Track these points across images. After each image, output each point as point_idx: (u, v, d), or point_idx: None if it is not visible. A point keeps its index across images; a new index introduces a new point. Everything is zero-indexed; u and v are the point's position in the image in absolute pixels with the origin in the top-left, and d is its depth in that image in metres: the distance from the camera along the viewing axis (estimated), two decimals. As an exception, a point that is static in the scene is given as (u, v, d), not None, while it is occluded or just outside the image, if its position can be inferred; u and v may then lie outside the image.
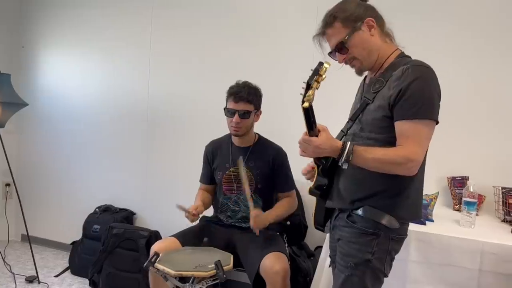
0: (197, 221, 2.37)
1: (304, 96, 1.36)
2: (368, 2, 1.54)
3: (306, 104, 1.36)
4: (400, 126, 1.38)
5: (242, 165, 2.15)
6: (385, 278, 1.52)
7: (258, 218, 2.08)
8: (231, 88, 2.24)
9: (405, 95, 1.35)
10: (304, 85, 1.37)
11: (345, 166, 1.42)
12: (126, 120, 3.37)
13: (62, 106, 3.60)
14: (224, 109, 2.24)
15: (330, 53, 1.55)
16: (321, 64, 1.35)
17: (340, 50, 1.50)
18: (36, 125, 3.72)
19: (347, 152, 1.38)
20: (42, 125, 3.70)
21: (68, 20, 3.54)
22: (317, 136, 1.44)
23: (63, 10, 3.55)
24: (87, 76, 3.50)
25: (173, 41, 3.18)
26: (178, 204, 2.09)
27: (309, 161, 1.62)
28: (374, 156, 1.39)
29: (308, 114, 1.40)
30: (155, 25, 3.23)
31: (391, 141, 1.41)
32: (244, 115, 2.20)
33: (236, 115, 2.19)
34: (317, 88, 1.37)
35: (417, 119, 1.36)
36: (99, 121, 3.47)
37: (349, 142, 1.40)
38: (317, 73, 1.35)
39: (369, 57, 1.50)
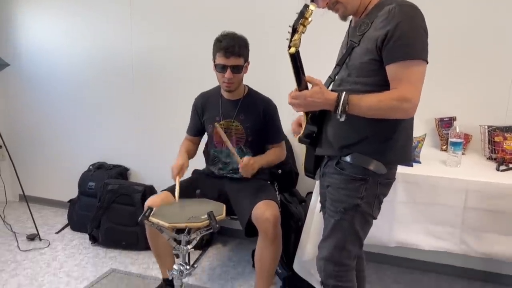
0: (190, 175, 2.43)
1: (290, 41, 1.33)
2: None
3: (292, 50, 1.33)
4: (392, 70, 1.37)
5: (221, 129, 2.15)
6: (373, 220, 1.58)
7: (246, 167, 2.09)
8: (218, 41, 2.14)
9: (393, 36, 1.33)
10: (290, 29, 1.33)
11: (342, 119, 1.40)
12: (112, 75, 3.31)
13: (46, 64, 3.51)
14: (215, 64, 2.17)
15: (312, 0, 1.50)
16: (306, 6, 1.31)
17: None
18: (21, 85, 3.65)
19: (342, 103, 1.37)
20: (27, 84, 3.63)
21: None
22: (306, 87, 1.43)
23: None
24: (69, 31, 3.38)
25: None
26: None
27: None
28: (370, 103, 1.38)
29: (295, 60, 1.37)
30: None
31: (379, 84, 1.40)
32: (236, 69, 2.15)
33: (228, 71, 2.13)
34: (303, 32, 1.33)
35: (408, 60, 1.34)
36: (85, 77, 3.40)
37: (344, 93, 1.38)
38: (302, 16, 1.31)
39: None
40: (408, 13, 1.35)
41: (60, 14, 3.39)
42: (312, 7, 1.31)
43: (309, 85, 1.45)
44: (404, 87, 1.35)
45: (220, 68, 2.15)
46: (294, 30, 1.33)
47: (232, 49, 2.10)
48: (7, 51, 3.51)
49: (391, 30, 1.33)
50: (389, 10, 1.35)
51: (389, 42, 1.34)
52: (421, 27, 1.36)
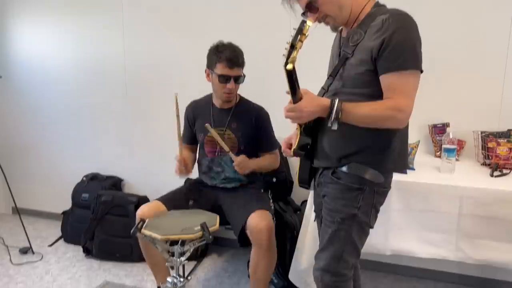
0: (183, 181, 2.41)
1: (288, 57, 1.31)
2: None
3: (290, 66, 1.32)
4: (386, 80, 1.36)
5: (211, 129, 2.17)
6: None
7: (241, 164, 2.13)
8: (219, 52, 2.13)
9: (388, 46, 1.33)
10: (287, 46, 1.31)
11: (334, 127, 1.39)
12: (105, 85, 3.29)
13: (38, 75, 3.50)
14: (217, 75, 2.14)
15: (302, 14, 1.49)
16: (303, 22, 1.31)
17: (310, 9, 1.45)
18: (12, 97, 3.63)
19: (336, 110, 1.36)
20: (19, 96, 3.60)
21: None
22: (300, 100, 1.41)
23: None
24: (60, 42, 3.37)
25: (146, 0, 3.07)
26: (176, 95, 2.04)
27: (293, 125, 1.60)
28: (363, 111, 1.38)
29: (291, 76, 1.36)
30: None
31: (374, 95, 1.39)
32: (239, 80, 2.17)
33: (232, 81, 2.14)
34: (300, 48, 1.33)
35: (402, 71, 1.34)
36: (78, 88, 3.39)
37: (337, 99, 1.37)
38: (300, 32, 1.30)
39: (341, 12, 1.45)
40: (403, 22, 1.34)
41: (51, 24, 3.38)
42: (309, 22, 1.31)
43: None
44: (399, 99, 1.35)
45: (223, 79, 2.14)
46: (292, 47, 1.31)
47: (236, 59, 2.12)
48: (-1, 63, 3.50)
49: (386, 39, 1.32)
50: (383, 20, 1.34)
51: (384, 52, 1.34)
52: (415, 36, 1.36)
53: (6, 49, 3.56)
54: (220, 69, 2.12)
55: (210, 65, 2.18)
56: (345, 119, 1.38)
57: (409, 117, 1.39)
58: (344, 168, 1.48)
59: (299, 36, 1.30)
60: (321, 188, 1.60)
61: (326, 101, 1.39)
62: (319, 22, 1.50)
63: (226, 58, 2.10)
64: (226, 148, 2.16)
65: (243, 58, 2.18)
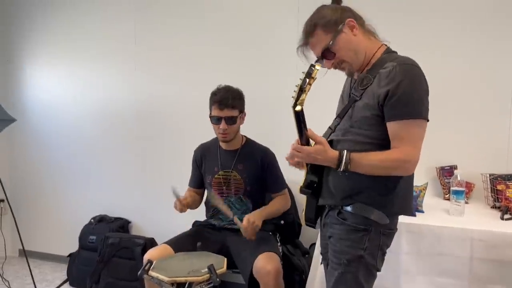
0: (191, 224, 2.40)
1: (297, 99, 1.36)
2: (343, 4, 1.54)
3: (299, 108, 1.36)
4: (393, 127, 1.39)
5: (214, 195, 2.23)
6: (378, 272, 1.54)
7: (248, 230, 2.08)
8: (213, 95, 2.24)
9: (395, 95, 1.35)
10: (296, 88, 1.36)
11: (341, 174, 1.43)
12: (116, 129, 3.38)
13: (51, 119, 3.60)
14: (210, 116, 2.24)
15: (316, 61, 1.52)
16: (312, 66, 1.36)
17: (326, 56, 1.49)
18: (26, 140, 3.71)
19: (345, 162, 1.39)
20: (32, 139, 3.69)
21: (51, 32, 3.53)
22: (307, 141, 1.44)
23: (46, 25, 3.54)
24: (74, 87, 3.49)
25: (157, 46, 3.19)
26: (174, 189, 2.12)
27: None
28: (371, 162, 1.40)
29: (299, 117, 1.40)
30: (138, 31, 3.24)
31: (381, 138, 1.42)
32: (230, 121, 2.22)
33: (223, 122, 2.20)
34: (309, 91, 1.37)
35: (409, 120, 1.37)
36: (89, 131, 3.47)
37: (345, 151, 1.40)
38: (309, 76, 1.35)
39: (357, 57, 1.49)
40: (410, 72, 1.38)
41: (64, 69, 3.52)
42: (318, 66, 1.36)
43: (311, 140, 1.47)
44: (405, 147, 1.38)
45: (215, 120, 2.22)
46: (301, 90, 1.36)
47: (225, 101, 2.18)
48: (14, 107, 3.60)
49: (392, 89, 1.36)
50: (391, 69, 1.38)
51: (391, 100, 1.37)
52: (422, 86, 1.40)
53: (22, 93, 3.69)
54: (213, 110, 2.22)
55: (209, 109, 2.27)
56: (354, 169, 1.40)
57: (415, 165, 1.41)
58: (349, 208, 1.48)
59: (307, 79, 1.35)
60: (327, 229, 1.59)
61: (335, 153, 1.42)
62: (335, 68, 1.53)
63: (217, 100, 2.19)
64: (230, 214, 2.16)
65: (236, 100, 2.22)
